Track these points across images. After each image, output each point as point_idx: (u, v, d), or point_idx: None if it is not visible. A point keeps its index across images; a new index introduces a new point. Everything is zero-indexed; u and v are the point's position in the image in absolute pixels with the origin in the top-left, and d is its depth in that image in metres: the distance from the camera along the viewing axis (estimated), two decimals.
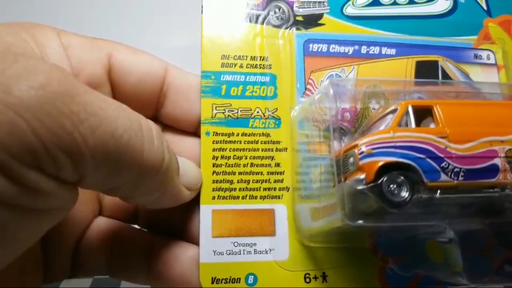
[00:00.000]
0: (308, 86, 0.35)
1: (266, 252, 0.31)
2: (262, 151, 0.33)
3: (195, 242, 0.31)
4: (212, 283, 0.30)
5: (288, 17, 0.36)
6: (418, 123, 0.27)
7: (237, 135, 0.33)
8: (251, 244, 0.31)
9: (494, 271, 0.29)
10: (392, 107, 0.28)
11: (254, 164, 0.33)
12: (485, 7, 0.40)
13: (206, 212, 0.31)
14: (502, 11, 0.40)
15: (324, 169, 0.31)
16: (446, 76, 0.37)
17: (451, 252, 0.28)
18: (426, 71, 0.36)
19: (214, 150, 0.33)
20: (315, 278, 0.31)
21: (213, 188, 0.32)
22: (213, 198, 0.32)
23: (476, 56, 0.38)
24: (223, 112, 0.33)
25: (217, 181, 0.32)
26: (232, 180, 0.32)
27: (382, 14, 0.38)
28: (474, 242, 0.29)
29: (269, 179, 0.33)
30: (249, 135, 0.33)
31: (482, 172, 0.26)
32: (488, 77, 0.38)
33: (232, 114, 0.33)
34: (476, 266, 0.28)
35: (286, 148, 0.33)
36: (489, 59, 0.38)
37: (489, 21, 0.39)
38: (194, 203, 0.31)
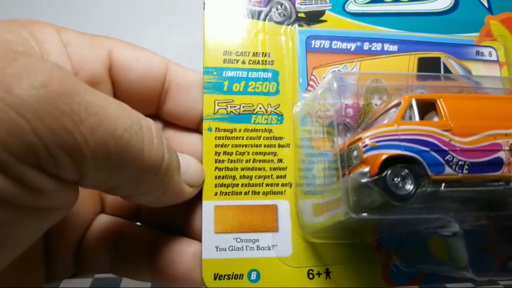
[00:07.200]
0: (311, 82, 0.35)
1: (269, 248, 0.31)
2: (264, 147, 0.33)
3: (198, 238, 0.31)
4: (215, 279, 0.30)
5: (290, 14, 0.36)
6: (421, 117, 0.27)
7: (240, 131, 0.33)
8: (253, 240, 0.31)
9: (499, 266, 0.29)
10: (396, 101, 0.28)
11: (257, 160, 0.33)
12: (486, 5, 0.40)
13: (208, 208, 0.31)
14: (503, 9, 0.40)
15: (327, 164, 0.30)
16: (448, 72, 0.37)
17: (455, 246, 0.28)
18: (428, 67, 0.36)
19: (216, 146, 0.32)
20: (319, 274, 0.31)
21: (216, 184, 0.32)
22: (216, 194, 0.32)
23: (478, 53, 0.38)
24: (225, 108, 0.33)
25: (219, 177, 0.32)
26: (235, 176, 0.32)
27: (384, 11, 0.38)
28: (477, 239, 0.28)
29: (271, 175, 0.32)
30: (251, 131, 0.33)
31: (487, 166, 0.26)
32: (490, 74, 0.38)
33: (235, 110, 0.33)
34: (480, 261, 0.28)
35: (289, 144, 0.33)
36: (491, 56, 0.38)
37: (491, 18, 0.39)
38: (196, 199, 0.31)
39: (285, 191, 0.32)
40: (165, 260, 0.31)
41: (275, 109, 0.34)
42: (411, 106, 0.27)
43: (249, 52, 0.35)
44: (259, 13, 0.36)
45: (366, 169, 0.25)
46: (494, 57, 0.38)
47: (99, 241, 0.32)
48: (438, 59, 0.37)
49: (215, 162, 0.32)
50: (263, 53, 0.35)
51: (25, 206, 0.20)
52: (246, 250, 0.31)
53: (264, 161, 0.33)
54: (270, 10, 0.36)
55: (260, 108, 0.34)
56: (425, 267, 0.32)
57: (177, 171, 0.28)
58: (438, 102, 0.27)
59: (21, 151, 0.19)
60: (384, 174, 0.25)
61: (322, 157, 0.31)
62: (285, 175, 0.33)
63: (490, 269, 0.28)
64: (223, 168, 0.32)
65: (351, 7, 0.37)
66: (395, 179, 0.25)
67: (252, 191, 0.32)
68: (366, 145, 0.26)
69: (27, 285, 0.28)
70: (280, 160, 0.33)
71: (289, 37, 0.36)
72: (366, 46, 0.36)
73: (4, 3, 0.65)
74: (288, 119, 0.34)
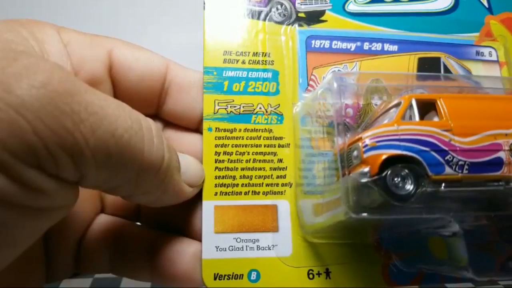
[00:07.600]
0: (311, 82, 0.35)
1: (269, 248, 0.31)
2: (264, 147, 0.33)
3: (198, 238, 0.31)
4: (215, 279, 0.30)
5: (290, 14, 0.36)
6: (421, 117, 0.27)
7: (240, 131, 0.33)
8: (253, 240, 0.31)
9: (499, 266, 0.29)
10: (396, 101, 0.28)
11: (257, 160, 0.33)
12: (486, 5, 0.40)
13: (208, 208, 0.31)
14: (503, 9, 0.40)
15: (327, 164, 0.30)
16: (448, 72, 0.37)
17: (455, 246, 0.28)
18: (428, 68, 0.36)
19: (216, 146, 0.32)
20: (319, 274, 0.31)
21: (216, 184, 0.32)
22: (216, 194, 0.32)
23: (478, 53, 0.38)
24: (225, 108, 0.33)
25: (219, 177, 0.32)
26: (235, 176, 0.32)
27: (384, 11, 0.38)
28: (477, 239, 0.28)
29: (271, 175, 0.32)
30: (251, 131, 0.33)
31: (487, 166, 0.26)
32: (490, 74, 0.38)
33: (235, 110, 0.33)
34: (480, 261, 0.28)
35: (289, 144, 0.33)
36: (491, 56, 0.38)
37: (491, 18, 0.39)
38: (196, 199, 0.31)
39: (285, 191, 0.32)
40: (165, 260, 0.31)
41: (275, 109, 0.34)
42: (411, 106, 0.27)
43: (249, 52, 0.35)
44: (259, 13, 0.36)
45: (366, 169, 0.25)
46: (494, 57, 0.38)
47: (99, 241, 0.32)
48: (438, 59, 0.37)
49: (215, 162, 0.32)
50: (263, 53, 0.35)
51: (25, 206, 0.20)
52: (246, 250, 0.31)
53: (264, 161, 0.33)
54: (270, 10, 0.36)
55: (260, 108, 0.34)
56: (425, 267, 0.32)
57: (177, 171, 0.28)
58: (438, 102, 0.27)
59: (21, 151, 0.19)
60: (384, 174, 0.25)
61: (322, 157, 0.31)
62: (285, 175, 0.33)
63: (490, 269, 0.28)
64: (223, 168, 0.32)
65: (351, 7, 0.37)
66: (395, 179, 0.25)
67: (252, 191, 0.32)
68: (366, 145, 0.25)
69: (27, 285, 0.28)
70: (280, 160, 0.33)
71: (289, 37, 0.36)
72: (366, 46, 0.36)
73: (4, 3, 0.65)
74: (288, 119, 0.34)
